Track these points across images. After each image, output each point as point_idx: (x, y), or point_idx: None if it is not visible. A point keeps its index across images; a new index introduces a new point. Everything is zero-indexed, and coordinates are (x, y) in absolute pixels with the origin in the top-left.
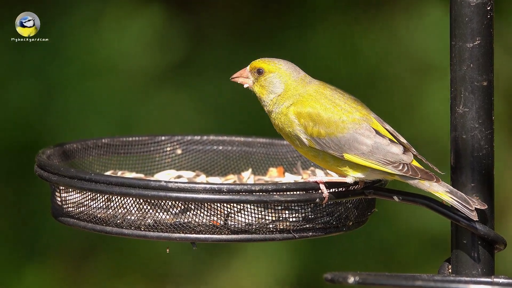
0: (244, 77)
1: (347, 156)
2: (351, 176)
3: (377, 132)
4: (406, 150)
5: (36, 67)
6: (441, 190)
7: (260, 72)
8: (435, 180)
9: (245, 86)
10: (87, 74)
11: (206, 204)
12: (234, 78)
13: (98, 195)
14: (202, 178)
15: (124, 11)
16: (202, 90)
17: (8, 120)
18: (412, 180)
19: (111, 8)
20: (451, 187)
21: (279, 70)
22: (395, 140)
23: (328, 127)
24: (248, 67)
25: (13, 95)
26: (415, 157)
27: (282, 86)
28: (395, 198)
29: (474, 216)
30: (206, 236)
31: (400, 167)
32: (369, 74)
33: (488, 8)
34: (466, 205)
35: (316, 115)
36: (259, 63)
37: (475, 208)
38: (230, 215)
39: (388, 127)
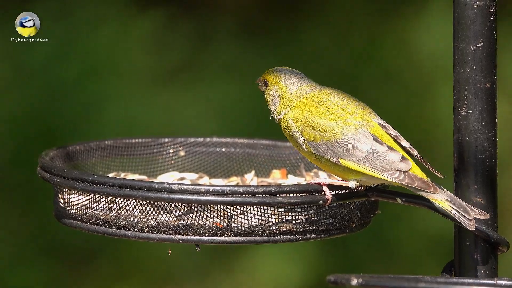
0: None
1: (343, 162)
2: (353, 180)
3: (375, 139)
4: (404, 158)
5: (38, 68)
6: (440, 198)
7: (266, 84)
8: (431, 190)
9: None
10: (90, 76)
11: (209, 206)
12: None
13: (101, 197)
14: (205, 180)
15: (126, 12)
16: (205, 92)
17: (9, 122)
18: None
19: (113, 9)
20: (452, 195)
21: (278, 84)
22: (394, 147)
23: (323, 132)
24: (262, 76)
25: (15, 97)
26: (417, 161)
27: (278, 100)
28: (398, 200)
29: (471, 226)
30: (209, 238)
31: (396, 175)
32: (376, 75)
33: (491, 10)
34: (464, 214)
35: (312, 119)
36: (266, 74)
37: (476, 217)
38: (233, 217)
39: (392, 132)
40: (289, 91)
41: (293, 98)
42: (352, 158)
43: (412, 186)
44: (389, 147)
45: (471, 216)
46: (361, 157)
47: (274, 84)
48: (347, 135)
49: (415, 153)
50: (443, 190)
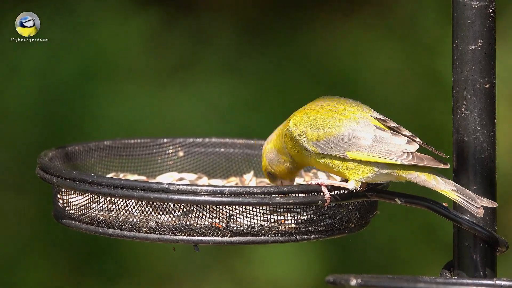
0: (276, 180)
1: (350, 154)
2: (354, 180)
3: (377, 127)
4: (410, 140)
5: (37, 68)
6: (447, 189)
7: (271, 175)
8: (442, 165)
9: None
10: (89, 76)
11: (208, 206)
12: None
13: (100, 197)
14: (204, 180)
15: (125, 12)
16: (203, 92)
17: (8, 122)
18: (418, 177)
19: (112, 9)
20: (458, 185)
21: (265, 155)
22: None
23: (325, 128)
24: (266, 177)
25: (14, 97)
26: (420, 147)
27: (277, 153)
28: (397, 200)
29: (479, 213)
30: (208, 238)
31: (404, 156)
32: (374, 75)
33: (490, 11)
34: (472, 203)
35: (312, 119)
36: (264, 171)
37: (484, 206)
38: (232, 217)
39: (392, 124)
40: (276, 141)
41: (280, 133)
42: (358, 148)
43: (422, 164)
44: (393, 133)
45: (479, 204)
46: (367, 145)
47: (264, 161)
48: (349, 127)
49: (418, 140)
50: (448, 180)
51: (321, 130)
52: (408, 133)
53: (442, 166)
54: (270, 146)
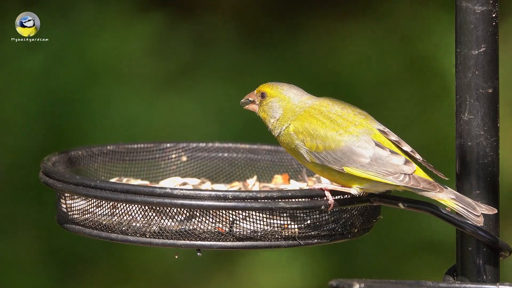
0: (252, 103)
1: (347, 169)
2: (356, 187)
3: (377, 144)
4: (408, 161)
5: (38, 71)
6: (446, 198)
7: (263, 96)
8: (438, 190)
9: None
10: (91, 79)
11: (211, 211)
12: (244, 105)
13: (103, 202)
14: (207, 185)
15: (125, 15)
16: (206, 96)
17: (10, 125)
18: (415, 189)
19: (114, 12)
20: (457, 193)
21: (280, 95)
22: (397, 151)
23: (325, 141)
24: (255, 90)
25: (15, 100)
26: (419, 164)
27: (280, 110)
28: (401, 205)
29: (479, 221)
30: (211, 243)
31: (401, 178)
32: (375, 81)
33: (493, 16)
34: (472, 211)
35: (313, 129)
36: (263, 87)
37: (483, 213)
38: (235, 222)
39: (393, 137)
40: (292, 101)
41: (297, 109)
42: (356, 165)
43: (418, 188)
44: (392, 151)
45: (478, 212)
46: (364, 163)
47: (274, 95)
48: (349, 142)
49: (417, 156)
50: (447, 189)
51: (321, 142)
52: (408, 148)
53: (438, 190)
54: (282, 103)
